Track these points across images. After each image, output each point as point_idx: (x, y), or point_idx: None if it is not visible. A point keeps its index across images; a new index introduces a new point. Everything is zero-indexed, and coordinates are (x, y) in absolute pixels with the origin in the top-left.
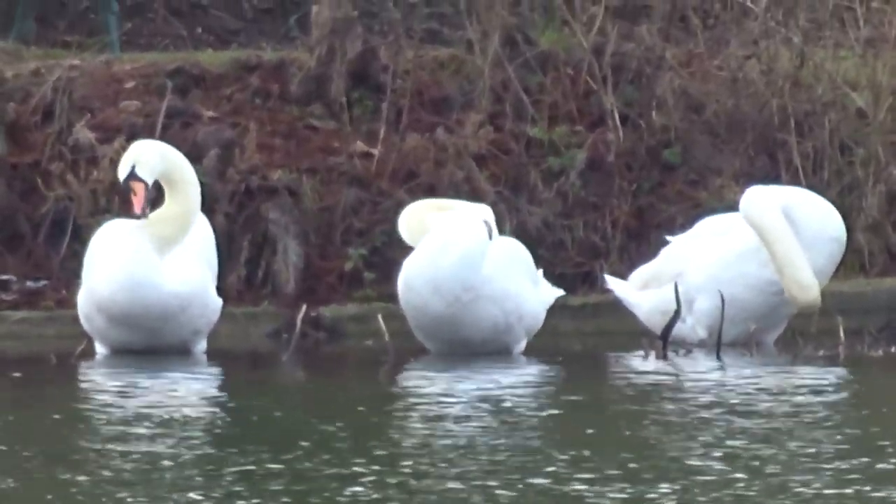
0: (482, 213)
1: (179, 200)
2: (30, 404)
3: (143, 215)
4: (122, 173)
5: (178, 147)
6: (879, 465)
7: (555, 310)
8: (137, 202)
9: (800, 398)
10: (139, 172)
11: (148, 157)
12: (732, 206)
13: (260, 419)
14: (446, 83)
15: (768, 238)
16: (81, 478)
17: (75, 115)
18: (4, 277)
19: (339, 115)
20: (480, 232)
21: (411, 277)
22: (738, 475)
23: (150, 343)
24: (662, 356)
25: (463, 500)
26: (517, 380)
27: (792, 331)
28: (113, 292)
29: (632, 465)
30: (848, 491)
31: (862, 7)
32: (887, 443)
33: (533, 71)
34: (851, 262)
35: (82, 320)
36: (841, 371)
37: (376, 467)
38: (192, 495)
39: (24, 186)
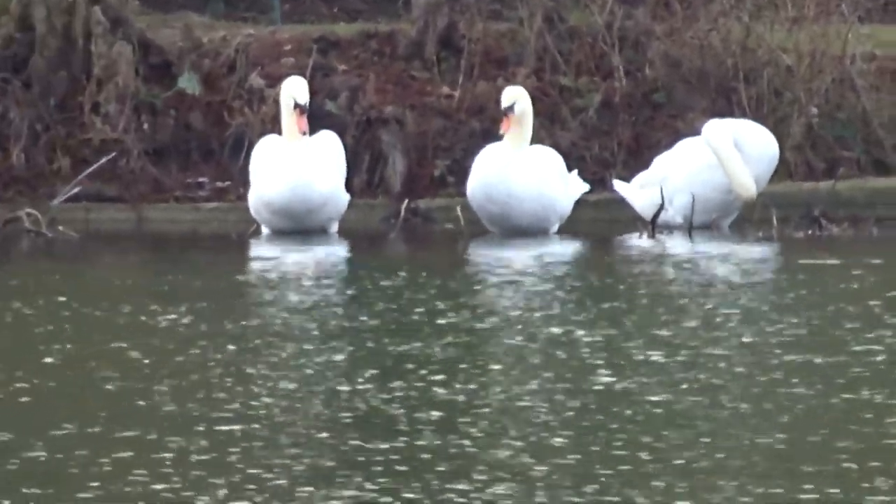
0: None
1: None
2: (215, 267)
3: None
4: (304, 100)
5: (320, 90)
6: (795, 321)
7: (579, 204)
8: (305, 125)
9: (746, 265)
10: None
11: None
12: (700, 133)
13: (373, 278)
14: (505, 47)
15: (721, 156)
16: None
17: (250, 68)
18: (201, 180)
19: (431, 69)
20: (507, 154)
21: (472, 190)
22: (693, 322)
23: (301, 226)
24: (651, 236)
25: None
26: (551, 251)
27: (742, 218)
28: (282, 193)
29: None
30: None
31: None
32: (801, 303)
33: (564, 39)
34: (782, 171)
35: (252, 212)
36: (775, 246)
37: (454, 311)
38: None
39: (215, 118)
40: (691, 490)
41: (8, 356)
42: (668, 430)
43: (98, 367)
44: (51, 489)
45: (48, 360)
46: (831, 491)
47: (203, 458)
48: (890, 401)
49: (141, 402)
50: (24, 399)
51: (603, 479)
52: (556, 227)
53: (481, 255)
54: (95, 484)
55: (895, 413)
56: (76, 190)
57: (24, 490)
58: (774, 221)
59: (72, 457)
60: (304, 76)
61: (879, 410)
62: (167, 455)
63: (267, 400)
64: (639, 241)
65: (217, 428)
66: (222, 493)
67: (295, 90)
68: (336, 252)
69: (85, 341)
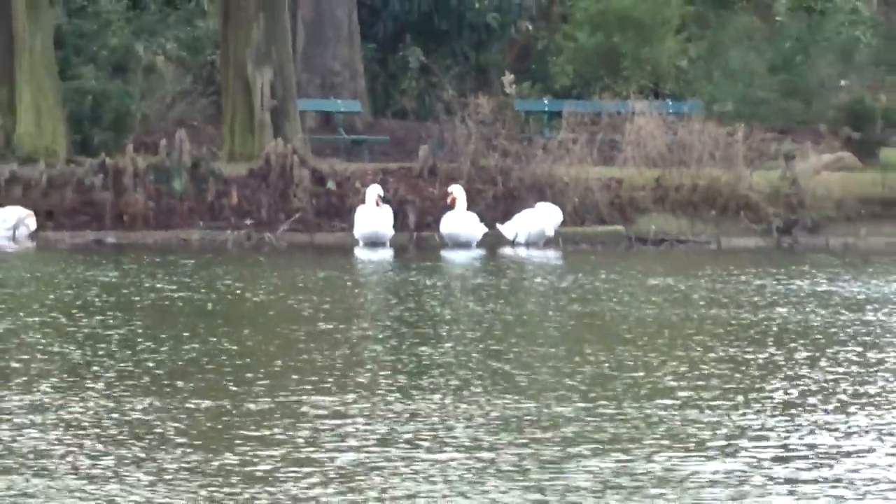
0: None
1: None
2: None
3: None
4: (378, 194)
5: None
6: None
7: (485, 235)
8: (381, 204)
9: (539, 259)
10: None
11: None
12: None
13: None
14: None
15: (539, 217)
16: None
17: (355, 179)
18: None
19: (426, 180)
20: (457, 215)
21: (444, 228)
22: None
23: (378, 242)
24: (512, 247)
25: None
26: (473, 254)
27: (549, 242)
28: (369, 228)
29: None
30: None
31: None
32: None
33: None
34: (568, 222)
35: (356, 235)
36: (558, 252)
37: None
38: None
39: (343, 200)
40: None
41: None
42: None
43: None
44: None
45: None
46: None
47: None
48: None
49: None
50: None
51: None
52: (474, 245)
53: (446, 258)
54: None
55: None
56: (286, 226)
57: None
58: (561, 244)
59: None
60: (377, 183)
61: None
62: None
63: None
64: (507, 250)
65: None
66: None
67: (377, 190)
68: (386, 254)
69: None
